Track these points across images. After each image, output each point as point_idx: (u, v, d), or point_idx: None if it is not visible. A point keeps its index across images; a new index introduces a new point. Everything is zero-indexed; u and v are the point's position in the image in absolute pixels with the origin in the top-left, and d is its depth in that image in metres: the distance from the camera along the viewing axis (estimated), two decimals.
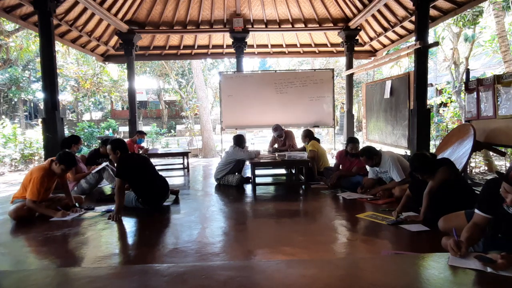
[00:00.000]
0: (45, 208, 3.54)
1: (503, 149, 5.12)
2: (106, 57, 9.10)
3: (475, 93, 4.69)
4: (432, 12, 6.05)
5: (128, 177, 3.66)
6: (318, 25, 8.15)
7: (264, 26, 8.25)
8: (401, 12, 6.77)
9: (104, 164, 4.76)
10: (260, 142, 12.89)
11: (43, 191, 3.46)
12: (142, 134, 6.96)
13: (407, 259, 2.23)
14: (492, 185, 2.03)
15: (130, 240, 3.01)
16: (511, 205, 1.84)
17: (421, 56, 5.16)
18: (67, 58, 14.90)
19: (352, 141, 4.86)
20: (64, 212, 3.51)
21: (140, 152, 6.56)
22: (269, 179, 5.69)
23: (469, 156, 4.10)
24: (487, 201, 2.03)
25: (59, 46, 11.71)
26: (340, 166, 4.97)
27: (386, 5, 6.83)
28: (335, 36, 8.63)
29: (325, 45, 9.17)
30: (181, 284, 1.85)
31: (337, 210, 3.73)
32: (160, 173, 4.17)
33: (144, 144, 7.03)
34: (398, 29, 7.37)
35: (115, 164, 3.75)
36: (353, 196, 4.15)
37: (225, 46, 9.14)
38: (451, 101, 9.15)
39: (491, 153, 6.57)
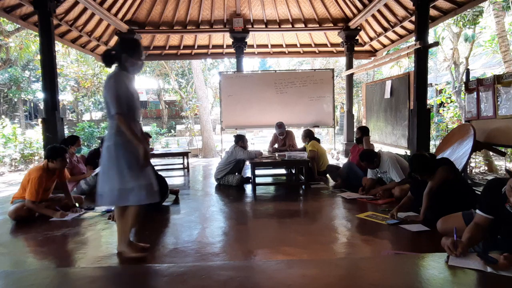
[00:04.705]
0: (44, 208, 3.54)
1: (503, 149, 5.12)
2: None
3: (475, 93, 4.69)
4: (432, 12, 6.05)
5: None
6: (318, 25, 8.15)
7: (264, 26, 8.25)
8: (401, 12, 6.77)
9: None
10: (260, 142, 12.88)
11: (41, 191, 3.45)
12: (147, 137, 6.73)
13: (407, 259, 2.23)
14: (493, 185, 2.02)
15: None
16: None
17: (421, 56, 5.16)
18: (67, 58, 14.88)
19: (358, 128, 5.19)
20: (62, 212, 3.50)
21: None
22: (269, 179, 5.68)
23: (469, 156, 4.10)
24: (489, 201, 2.03)
25: (59, 46, 11.70)
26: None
27: (386, 5, 6.83)
28: (335, 36, 8.63)
29: (325, 45, 9.17)
30: (181, 284, 1.85)
31: (337, 210, 3.73)
32: (160, 173, 4.16)
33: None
34: (398, 29, 7.37)
35: None
36: (353, 196, 4.15)
37: (225, 46, 9.15)
38: (451, 101, 9.14)
39: (491, 153, 6.57)
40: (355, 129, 6.57)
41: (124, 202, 2.34)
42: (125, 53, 2.37)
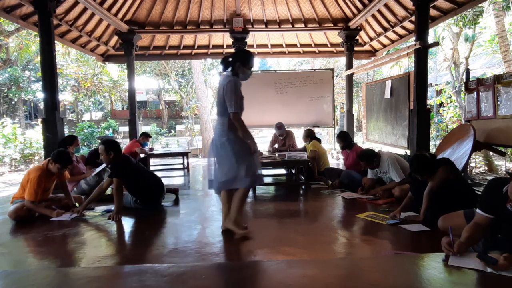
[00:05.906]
0: (44, 208, 3.54)
1: (503, 149, 5.12)
2: (106, 57, 9.09)
3: (475, 93, 4.69)
4: (432, 12, 6.04)
5: (124, 178, 3.62)
6: (318, 25, 8.14)
7: (264, 26, 8.24)
8: (401, 12, 6.76)
9: (103, 165, 4.74)
10: (260, 142, 12.85)
11: (40, 191, 3.45)
12: (148, 137, 6.62)
13: (407, 259, 2.23)
14: (494, 185, 2.02)
15: (130, 240, 3.01)
16: None
17: (421, 56, 5.15)
18: (67, 58, 14.87)
19: (337, 136, 5.21)
20: (58, 211, 3.50)
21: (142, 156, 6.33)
22: (269, 179, 5.68)
23: (469, 156, 4.10)
24: (489, 201, 2.02)
25: (59, 46, 11.70)
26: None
27: (386, 5, 6.82)
28: (335, 36, 8.63)
29: (325, 45, 9.16)
30: (181, 284, 1.85)
31: (337, 210, 3.73)
32: (160, 173, 4.16)
33: (147, 148, 6.68)
34: (398, 29, 7.36)
35: (109, 165, 3.71)
36: (353, 196, 4.15)
37: (225, 46, 9.13)
38: (451, 101, 9.14)
39: (491, 153, 6.57)
40: (354, 129, 6.60)
41: (236, 186, 2.72)
42: (239, 62, 2.78)
